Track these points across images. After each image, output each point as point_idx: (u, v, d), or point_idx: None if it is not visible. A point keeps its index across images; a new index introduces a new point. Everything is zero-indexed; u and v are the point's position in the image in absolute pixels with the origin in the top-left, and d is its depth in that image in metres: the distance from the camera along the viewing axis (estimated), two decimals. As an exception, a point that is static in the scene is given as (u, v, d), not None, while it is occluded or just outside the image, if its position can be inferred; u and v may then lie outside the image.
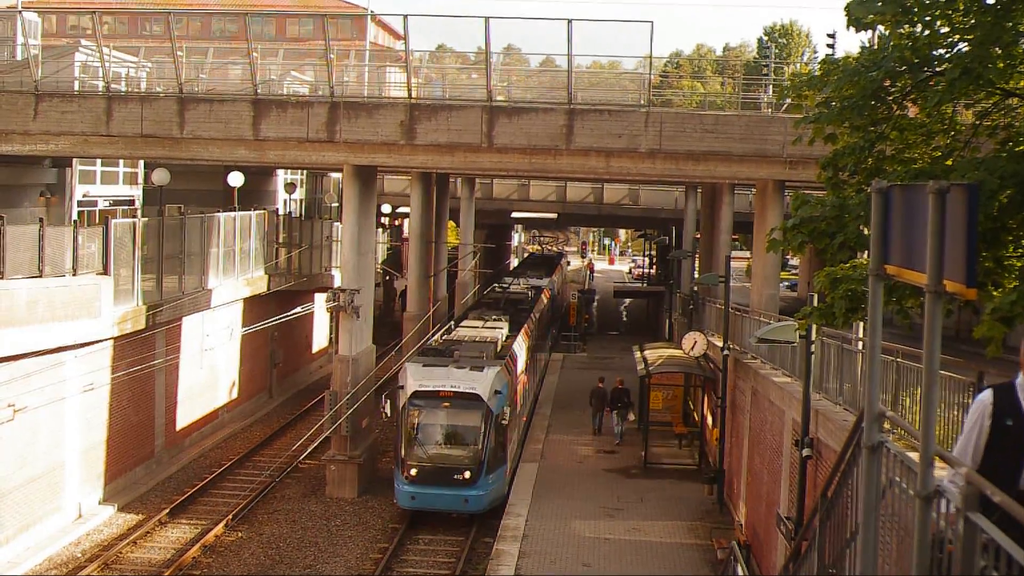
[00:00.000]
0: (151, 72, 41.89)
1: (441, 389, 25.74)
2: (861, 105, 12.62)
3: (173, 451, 31.29)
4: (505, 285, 45.98)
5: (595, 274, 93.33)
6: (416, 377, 26.11)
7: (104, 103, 29.66)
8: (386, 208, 59.29)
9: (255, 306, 36.63)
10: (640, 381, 32.63)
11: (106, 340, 26.07)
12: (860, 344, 16.29)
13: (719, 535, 23.85)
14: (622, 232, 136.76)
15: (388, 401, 26.61)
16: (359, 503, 27.96)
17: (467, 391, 25.54)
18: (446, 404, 25.81)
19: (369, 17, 76.39)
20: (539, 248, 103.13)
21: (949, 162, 12.46)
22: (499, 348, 29.93)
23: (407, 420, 25.91)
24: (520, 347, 32.02)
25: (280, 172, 53.35)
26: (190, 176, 44.02)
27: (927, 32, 12.33)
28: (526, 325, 35.50)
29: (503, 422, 26.00)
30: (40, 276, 23.18)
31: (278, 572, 23.37)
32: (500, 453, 26.29)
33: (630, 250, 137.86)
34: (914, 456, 5.36)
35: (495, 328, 32.71)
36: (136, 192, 44.13)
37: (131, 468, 28.60)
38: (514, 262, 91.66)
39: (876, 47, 13.63)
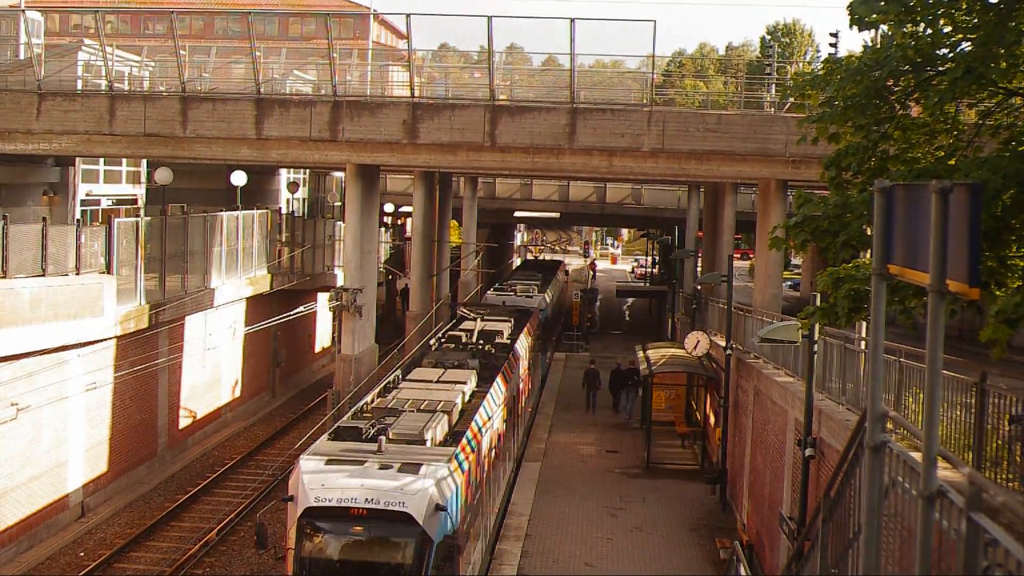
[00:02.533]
0: (154, 71, 41.95)
1: (352, 505, 15.73)
2: (864, 104, 12.61)
3: (176, 450, 31.31)
4: (479, 314, 33.13)
5: (597, 273, 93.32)
6: (314, 483, 15.89)
7: (107, 102, 29.71)
8: (389, 207, 59.37)
9: (258, 305, 36.65)
10: (643, 380, 32.66)
11: (109, 339, 26.08)
12: (863, 344, 16.28)
13: (722, 535, 23.82)
14: (625, 231, 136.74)
15: (260, 527, 17.02)
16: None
17: (392, 508, 15.70)
18: (359, 528, 15.96)
19: (372, 16, 76.51)
20: (534, 254, 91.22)
21: (952, 161, 12.44)
22: (454, 420, 19.65)
23: (298, 552, 15.87)
24: (489, 411, 21.65)
25: (283, 171, 53.40)
26: (193, 175, 44.06)
27: (930, 31, 12.31)
28: (500, 374, 24.88)
29: (452, 549, 16.16)
30: (43, 275, 23.19)
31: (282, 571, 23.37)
32: None
33: (620, 248, 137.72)
34: (917, 456, 5.35)
35: (454, 386, 21.77)
36: (139, 191, 44.16)
37: (134, 467, 28.63)
38: (516, 261, 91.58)
39: (879, 46, 13.60)
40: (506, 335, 30.39)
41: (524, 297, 42.41)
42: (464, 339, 28.54)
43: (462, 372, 23.42)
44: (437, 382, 22.21)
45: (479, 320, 30.25)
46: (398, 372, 23.60)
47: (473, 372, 23.68)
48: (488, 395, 22.32)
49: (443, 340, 28.92)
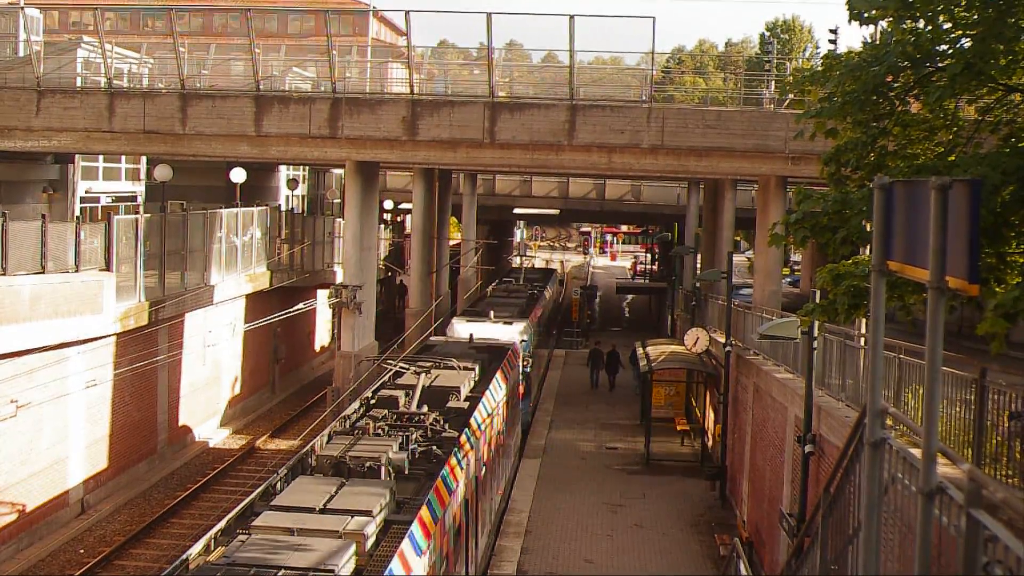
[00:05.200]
0: (153, 68, 41.90)
1: None
2: (863, 100, 12.61)
3: (176, 447, 31.31)
4: (422, 368, 21.76)
5: (595, 270, 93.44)
6: None
7: (106, 99, 29.70)
8: (388, 204, 59.33)
9: (257, 302, 36.63)
10: (643, 377, 32.68)
11: (109, 336, 26.08)
12: (862, 340, 16.29)
13: (722, 531, 23.85)
14: (625, 228, 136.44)
15: None
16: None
17: None
18: None
19: (371, 13, 76.46)
20: (521, 262, 70.08)
21: (951, 158, 12.44)
22: None
23: None
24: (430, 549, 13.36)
25: (282, 168, 53.37)
26: (192, 172, 44.02)
27: (929, 27, 12.31)
28: (441, 477, 15.14)
29: None
30: (43, 272, 23.19)
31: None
32: None
33: (609, 246, 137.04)
34: (916, 452, 5.35)
35: (348, 520, 12.09)
36: (138, 188, 44.12)
37: (134, 464, 28.64)
38: (515, 259, 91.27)
39: (878, 42, 13.60)
40: (464, 394, 20.86)
41: (501, 324, 33.74)
42: (397, 407, 18.46)
43: (372, 491, 13.21)
44: (322, 512, 12.41)
45: (423, 375, 20.58)
46: (282, 476, 14.12)
47: (388, 490, 13.40)
48: (408, 537, 12.44)
49: (361, 414, 18.34)
